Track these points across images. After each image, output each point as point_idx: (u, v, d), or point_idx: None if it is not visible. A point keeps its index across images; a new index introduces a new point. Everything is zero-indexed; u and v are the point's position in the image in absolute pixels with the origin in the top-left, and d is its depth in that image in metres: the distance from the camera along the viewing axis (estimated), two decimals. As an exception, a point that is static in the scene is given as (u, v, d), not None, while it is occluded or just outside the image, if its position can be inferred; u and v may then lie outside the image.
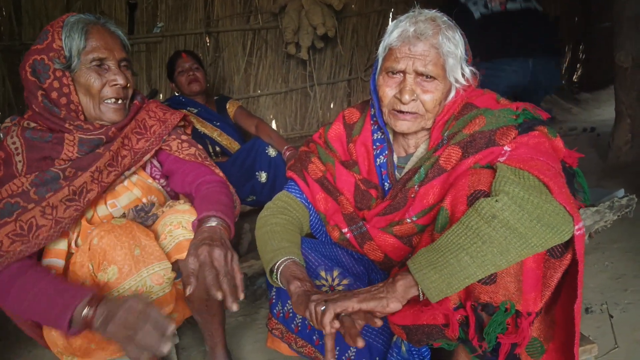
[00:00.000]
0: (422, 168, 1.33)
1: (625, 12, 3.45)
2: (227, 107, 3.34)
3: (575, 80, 6.82)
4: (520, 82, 3.35)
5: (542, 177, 1.09)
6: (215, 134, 3.17)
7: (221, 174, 1.66)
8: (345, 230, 1.48)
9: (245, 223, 3.01)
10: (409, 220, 1.36)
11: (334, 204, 1.52)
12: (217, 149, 3.20)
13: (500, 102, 1.33)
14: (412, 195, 1.34)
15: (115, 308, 1.19)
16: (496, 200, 1.04)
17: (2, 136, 1.52)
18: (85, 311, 1.21)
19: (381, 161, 1.47)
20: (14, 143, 1.44)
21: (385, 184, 1.46)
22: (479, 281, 1.07)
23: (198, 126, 3.11)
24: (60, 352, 1.48)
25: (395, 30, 1.33)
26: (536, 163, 1.13)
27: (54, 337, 1.47)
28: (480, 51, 3.04)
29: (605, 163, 3.77)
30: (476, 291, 1.09)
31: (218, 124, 3.19)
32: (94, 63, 1.46)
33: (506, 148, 1.19)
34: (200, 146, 1.71)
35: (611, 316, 1.93)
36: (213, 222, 1.39)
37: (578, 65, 6.81)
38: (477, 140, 1.23)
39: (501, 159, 1.18)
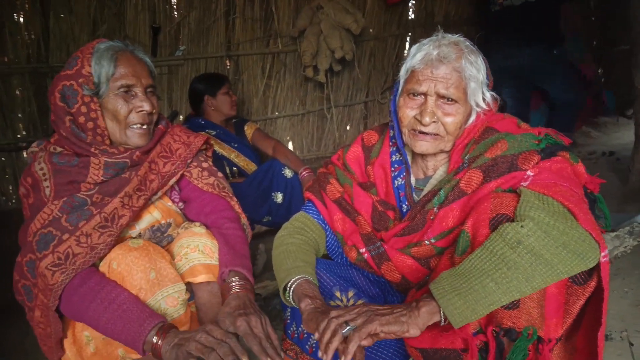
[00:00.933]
0: (442, 190, 1.33)
1: (644, 36, 3.42)
2: (245, 129, 3.39)
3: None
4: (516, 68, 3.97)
5: (566, 203, 1.09)
6: (232, 155, 3.21)
7: (236, 206, 1.69)
8: (362, 250, 1.49)
9: (261, 244, 3.03)
10: (427, 242, 1.36)
11: (352, 225, 1.53)
12: (235, 169, 3.25)
13: (521, 126, 1.34)
14: (431, 217, 1.34)
15: (189, 334, 1.23)
16: (522, 226, 1.04)
17: (29, 161, 1.55)
18: (154, 339, 1.26)
19: (399, 183, 1.48)
20: (41, 169, 1.47)
21: (403, 205, 1.47)
22: (502, 306, 1.07)
23: (216, 148, 3.16)
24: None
25: (419, 53, 1.36)
26: (560, 189, 1.13)
27: (68, 358, 1.50)
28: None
29: (626, 187, 3.71)
30: (499, 316, 1.09)
31: (236, 145, 3.24)
32: (121, 89, 1.49)
33: (529, 173, 1.19)
34: (220, 174, 1.75)
35: (631, 344, 1.88)
36: (237, 287, 1.42)
37: (597, 89, 6.75)
38: (499, 164, 1.23)
39: (524, 184, 1.18)
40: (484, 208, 1.16)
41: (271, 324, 2.20)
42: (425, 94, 1.34)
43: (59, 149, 1.52)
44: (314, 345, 1.47)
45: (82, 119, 1.49)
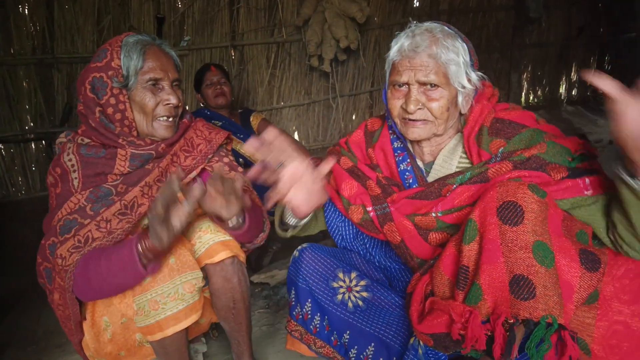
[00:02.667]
0: (469, 172, 1.35)
1: (651, 23, 3.41)
2: (251, 119, 3.39)
3: (601, 91, 6.72)
4: None
5: None
6: (238, 146, 3.22)
7: (257, 199, 1.72)
8: (369, 208, 1.51)
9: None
10: (433, 214, 1.38)
11: (361, 188, 1.55)
12: (241, 160, 3.25)
13: (539, 121, 1.37)
14: (447, 194, 1.37)
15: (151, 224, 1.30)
16: None
17: (57, 151, 1.59)
18: (143, 246, 1.33)
19: (404, 167, 1.51)
20: (70, 160, 1.52)
21: (414, 186, 1.49)
22: (517, 297, 1.08)
23: (223, 138, 3.17)
24: (92, 355, 1.54)
25: (395, 46, 1.41)
26: None
27: (86, 340, 1.53)
28: None
29: (632, 175, 3.71)
30: (515, 307, 1.10)
31: (242, 136, 3.24)
32: (149, 83, 1.53)
33: (587, 181, 1.26)
34: (240, 169, 1.78)
35: None
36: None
37: (603, 77, 6.71)
38: (531, 161, 1.28)
39: (587, 192, 1.25)
40: (490, 197, 1.17)
41: (280, 310, 2.23)
42: (407, 84, 1.38)
43: (86, 140, 1.56)
44: (317, 325, 1.51)
45: (110, 110, 1.52)
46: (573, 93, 6.48)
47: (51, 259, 1.45)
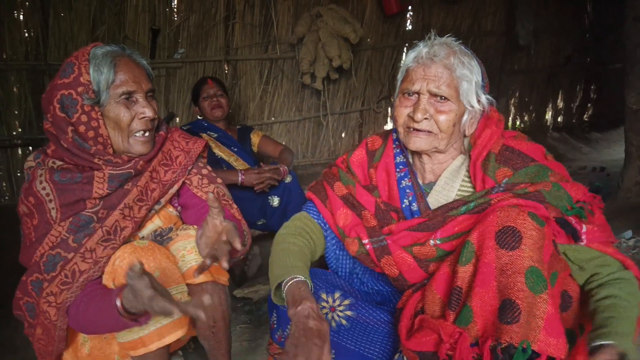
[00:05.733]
0: (472, 202, 1.34)
1: (636, 54, 3.49)
2: (251, 137, 3.40)
3: (586, 119, 6.86)
4: None
5: (621, 258, 1.28)
6: (232, 159, 3.22)
7: (237, 214, 1.67)
8: (365, 241, 1.47)
9: (255, 245, 3.03)
10: (432, 242, 1.36)
11: (356, 218, 1.52)
12: (224, 167, 3.25)
13: (547, 157, 1.37)
14: (449, 222, 1.36)
15: (130, 294, 1.23)
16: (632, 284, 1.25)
17: (27, 177, 1.49)
18: (119, 305, 1.26)
19: (405, 184, 1.50)
20: (44, 189, 1.43)
21: (413, 204, 1.47)
22: (502, 321, 1.09)
23: (216, 150, 3.17)
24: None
25: (412, 53, 1.42)
26: (611, 247, 1.30)
27: (65, 358, 1.51)
28: None
29: (614, 203, 3.76)
30: (499, 331, 1.10)
31: (236, 150, 3.25)
32: (123, 97, 1.44)
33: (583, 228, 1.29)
34: (219, 180, 1.72)
35: None
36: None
37: (589, 105, 6.85)
38: (531, 194, 1.27)
39: (582, 243, 1.28)
40: (490, 221, 1.18)
41: (262, 326, 2.21)
42: (418, 93, 1.38)
43: (58, 163, 1.47)
44: None
45: (82, 129, 1.44)
46: (559, 120, 6.59)
47: (34, 294, 1.40)
